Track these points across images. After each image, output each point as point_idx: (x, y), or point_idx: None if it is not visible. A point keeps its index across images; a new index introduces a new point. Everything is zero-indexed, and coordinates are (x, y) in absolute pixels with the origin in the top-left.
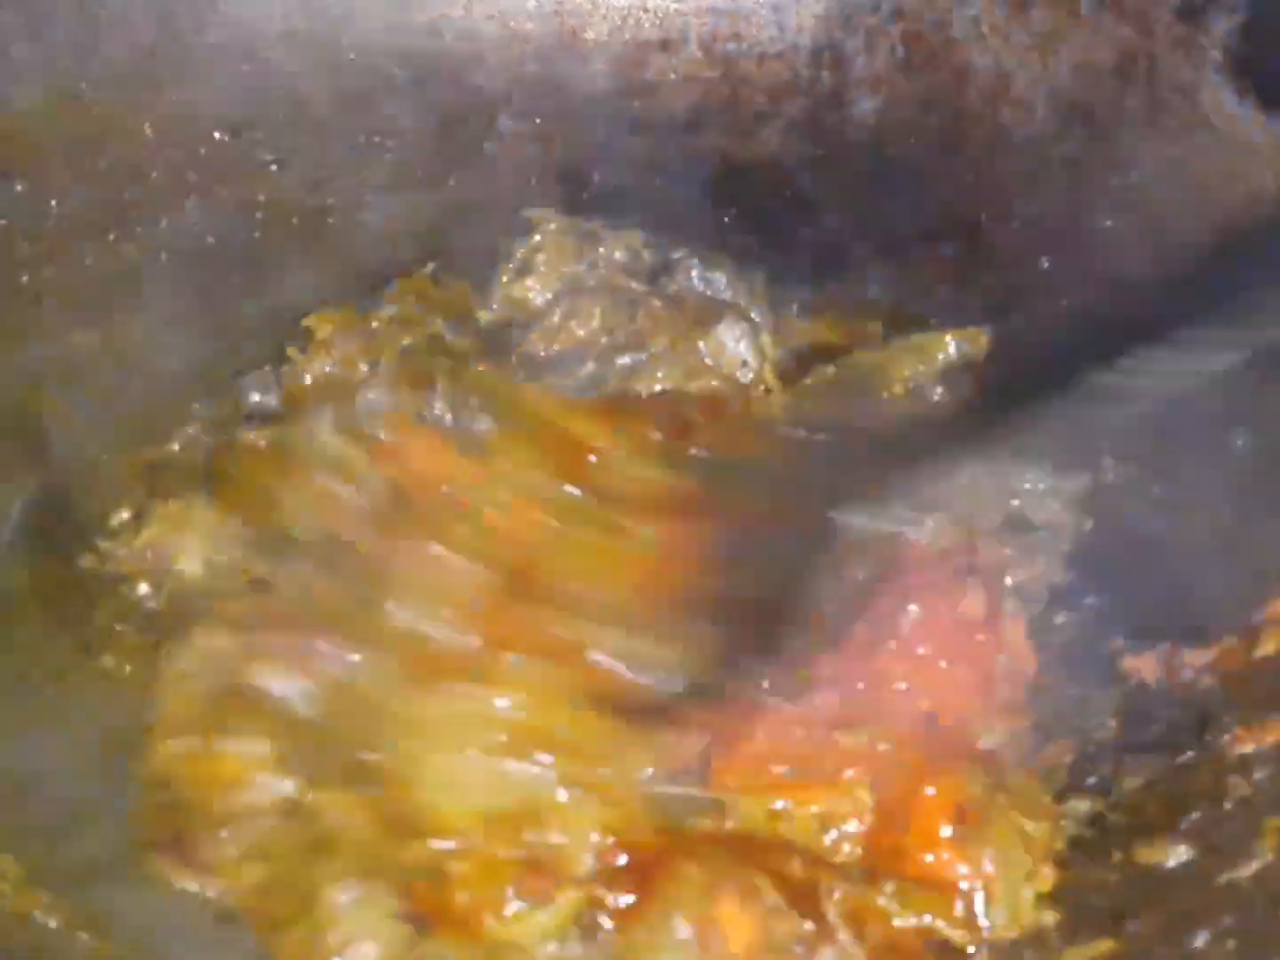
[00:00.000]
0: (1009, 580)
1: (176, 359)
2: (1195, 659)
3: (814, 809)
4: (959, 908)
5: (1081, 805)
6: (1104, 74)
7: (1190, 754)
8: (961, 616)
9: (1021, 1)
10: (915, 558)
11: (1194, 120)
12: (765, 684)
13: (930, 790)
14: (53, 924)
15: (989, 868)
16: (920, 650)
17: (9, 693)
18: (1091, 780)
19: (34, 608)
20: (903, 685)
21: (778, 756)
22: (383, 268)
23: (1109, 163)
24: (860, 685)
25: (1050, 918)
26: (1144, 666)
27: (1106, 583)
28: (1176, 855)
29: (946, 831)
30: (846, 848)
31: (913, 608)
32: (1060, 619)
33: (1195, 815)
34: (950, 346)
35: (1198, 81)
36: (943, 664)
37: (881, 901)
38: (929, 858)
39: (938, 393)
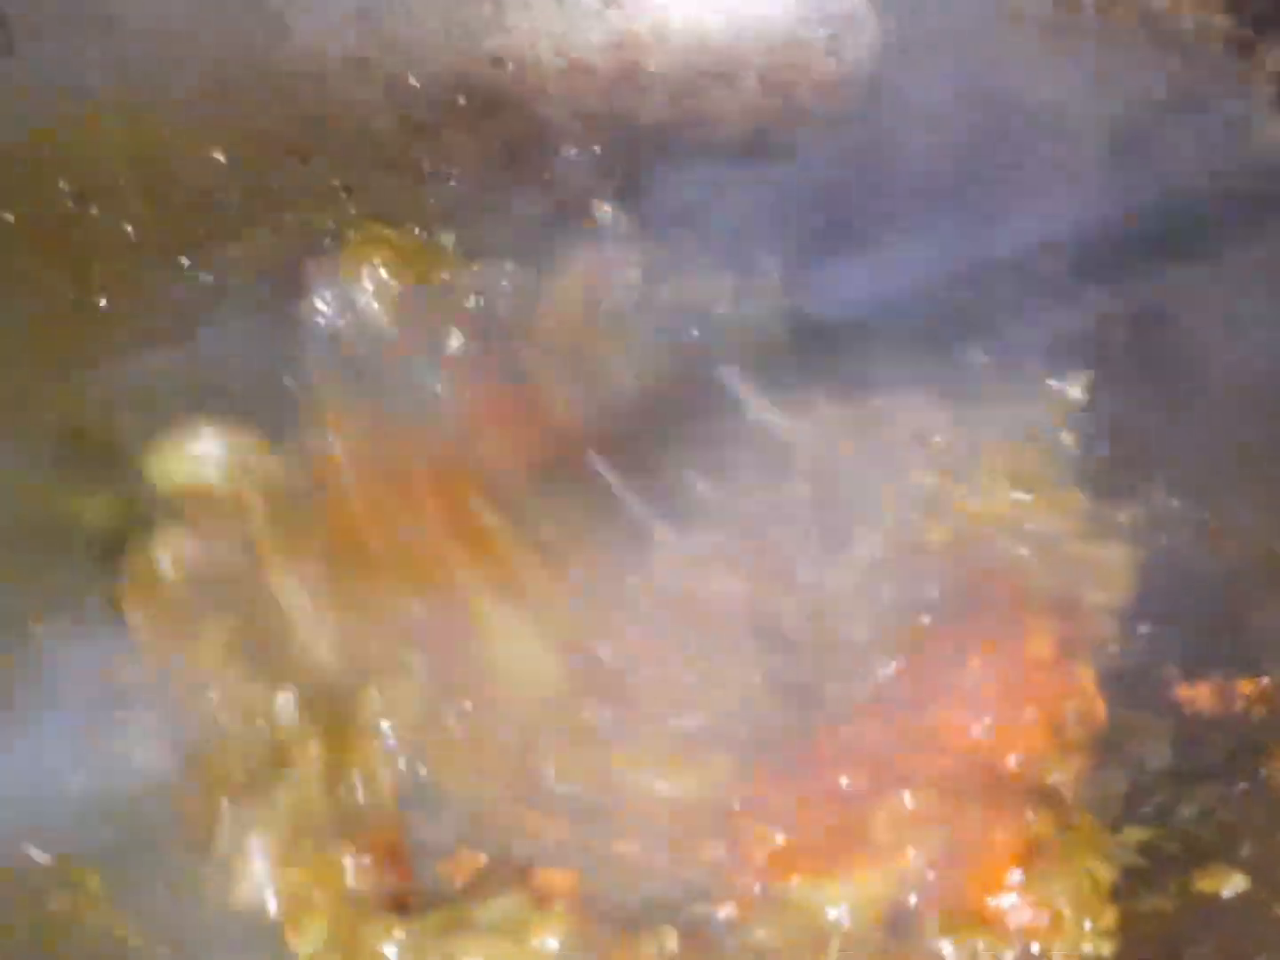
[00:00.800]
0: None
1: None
2: (1248, 689)
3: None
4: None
5: (1136, 834)
6: (1156, 106)
7: (1244, 785)
8: (1030, 658)
9: (1075, 35)
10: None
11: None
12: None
13: (998, 835)
14: (134, 940)
15: (1060, 907)
16: (984, 692)
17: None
18: (1146, 809)
19: None
20: (965, 727)
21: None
22: None
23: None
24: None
25: (1107, 948)
26: (1198, 696)
27: (1161, 612)
28: (1232, 885)
29: (1016, 875)
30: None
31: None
32: (1114, 648)
33: (1250, 846)
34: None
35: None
36: (1009, 707)
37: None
38: (997, 902)
39: None
